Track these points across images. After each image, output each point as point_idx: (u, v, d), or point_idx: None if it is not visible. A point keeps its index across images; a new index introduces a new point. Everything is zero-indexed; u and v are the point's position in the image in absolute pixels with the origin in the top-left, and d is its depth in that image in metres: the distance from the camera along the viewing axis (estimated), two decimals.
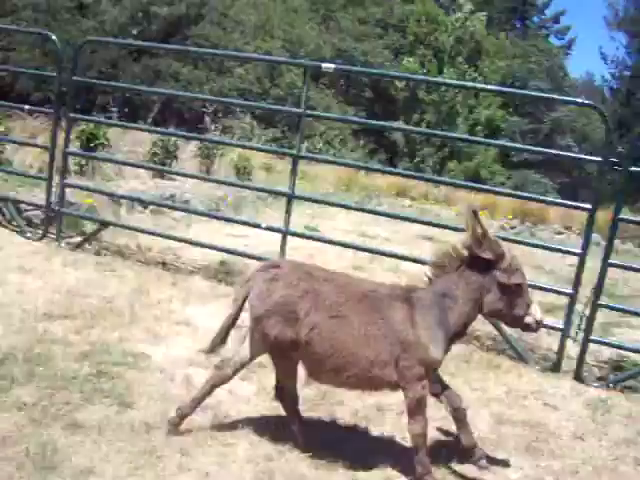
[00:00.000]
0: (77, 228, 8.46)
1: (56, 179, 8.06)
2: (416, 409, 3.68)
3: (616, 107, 40.05)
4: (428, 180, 17.80)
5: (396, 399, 4.20)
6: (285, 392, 4.08)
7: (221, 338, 3.95)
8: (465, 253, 3.73)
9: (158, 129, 13.30)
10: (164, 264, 7.85)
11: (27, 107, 9.57)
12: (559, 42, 49.06)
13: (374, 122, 13.71)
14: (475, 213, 3.64)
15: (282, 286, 3.73)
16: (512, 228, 17.68)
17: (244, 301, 3.84)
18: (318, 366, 3.76)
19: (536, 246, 7.23)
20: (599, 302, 6.16)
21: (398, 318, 3.69)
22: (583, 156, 11.71)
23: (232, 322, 3.95)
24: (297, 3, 37.91)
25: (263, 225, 7.70)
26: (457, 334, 3.82)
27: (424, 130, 23.78)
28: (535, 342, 6.81)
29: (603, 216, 7.54)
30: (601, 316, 6.68)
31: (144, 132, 13.42)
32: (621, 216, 6.30)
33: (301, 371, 3.93)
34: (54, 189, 8.03)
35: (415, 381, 3.65)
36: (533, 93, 24.39)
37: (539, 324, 3.83)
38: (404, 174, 13.85)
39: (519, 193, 8.69)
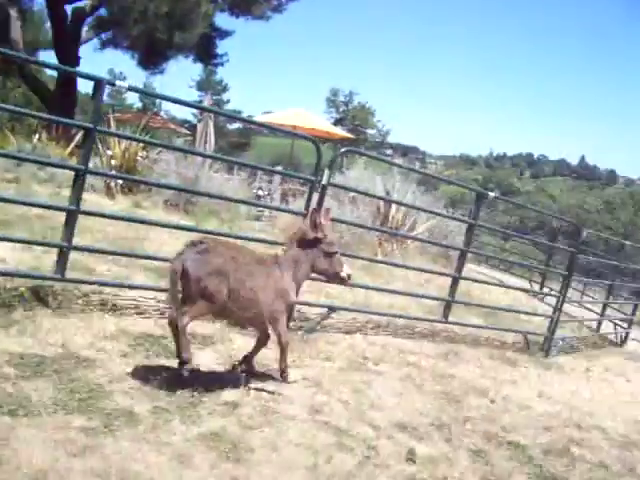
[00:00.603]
0: None
1: None
2: (282, 331, 5.36)
3: None
4: None
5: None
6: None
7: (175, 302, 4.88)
8: (306, 234, 5.44)
9: None
10: None
11: None
12: None
13: None
14: (315, 210, 5.59)
15: (213, 255, 4.95)
16: None
17: (182, 270, 4.83)
18: (234, 307, 5.06)
19: None
20: None
21: (275, 275, 5.30)
22: None
23: (176, 288, 4.87)
24: None
25: None
26: (300, 285, 5.59)
27: None
28: None
29: None
30: None
31: None
32: None
33: None
34: None
35: (282, 314, 5.36)
36: None
37: (349, 277, 5.59)
38: None
39: None
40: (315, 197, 6.88)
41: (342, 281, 5.64)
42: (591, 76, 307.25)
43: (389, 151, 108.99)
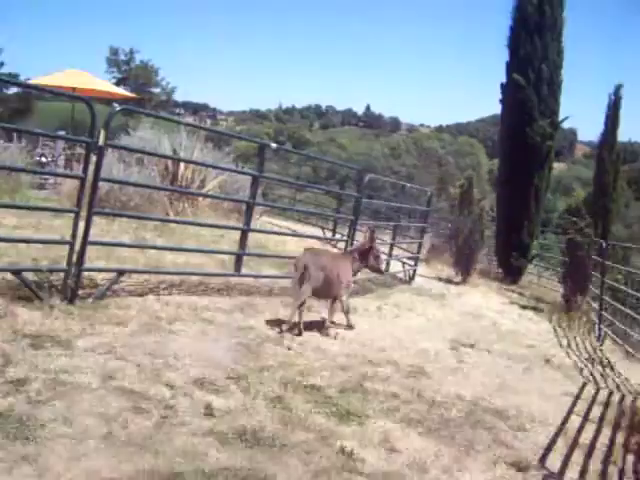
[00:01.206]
0: None
1: None
2: (344, 300, 8.01)
3: None
4: None
5: None
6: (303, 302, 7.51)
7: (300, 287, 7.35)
8: (365, 245, 8.31)
9: None
10: None
11: None
12: None
13: None
14: (372, 230, 8.48)
15: (319, 257, 7.73)
16: None
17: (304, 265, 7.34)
18: (325, 286, 7.59)
19: None
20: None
21: (346, 267, 8.00)
22: None
23: (302, 278, 7.33)
24: None
25: None
26: (355, 273, 8.42)
27: None
28: None
29: None
30: None
31: None
32: None
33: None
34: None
35: (346, 290, 8.01)
36: None
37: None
38: None
39: None
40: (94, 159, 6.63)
41: (381, 272, 9.16)
42: (373, 26, 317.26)
43: (180, 110, 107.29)
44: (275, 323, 7.40)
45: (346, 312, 8.10)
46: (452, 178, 70.28)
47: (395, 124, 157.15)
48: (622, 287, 12.89)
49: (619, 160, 21.25)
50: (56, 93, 17.48)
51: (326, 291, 7.75)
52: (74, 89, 17.03)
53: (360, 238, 9.26)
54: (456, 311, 11.07)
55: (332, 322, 7.83)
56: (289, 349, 6.59)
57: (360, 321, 8.57)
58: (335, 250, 9.61)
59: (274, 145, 9.83)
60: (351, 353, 6.99)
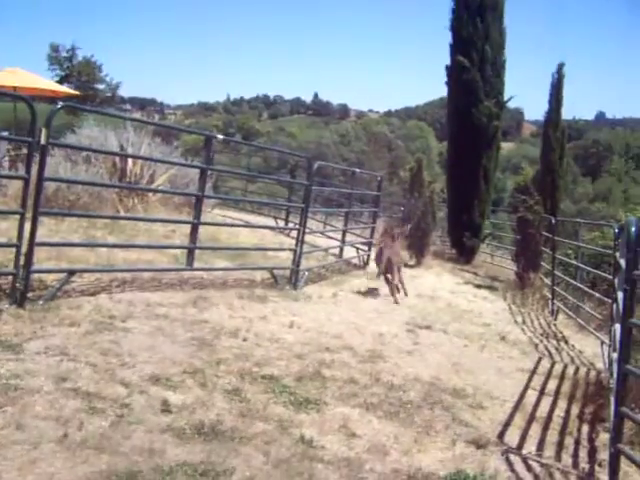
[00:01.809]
0: None
1: None
2: (399, 273, 10.67)
3: None
4: None
5: None
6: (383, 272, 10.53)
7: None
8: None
9: None
10: None
11: None
12: None
13: None
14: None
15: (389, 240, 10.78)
16: None
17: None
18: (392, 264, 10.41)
19: None
20: None
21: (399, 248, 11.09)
22: None
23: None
24: None
25: None
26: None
27: None
28: None
29: None
30: None
31: None
32: None
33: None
34: None
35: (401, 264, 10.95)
36: None
37: None
38: None
39: None
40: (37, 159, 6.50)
41: None
42: (317, 13, 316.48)
43: (127, 106, 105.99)
44: (229, 315, 7.39)
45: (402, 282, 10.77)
46: (403, 162, 70.77)
47: (344, 111, 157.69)
48: (572, 262, 13.10)
49: (564, 138, 21.48)
50: None
51: (393, 268, 10.47)
52: (15, 88, 16.69)
53: (313, 226, 9.31)
54: (411, 293, 11.14)
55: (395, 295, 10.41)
56: (244, 340, 6.55)
57: (315, 308, 8.60)
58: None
59: (220, 137, 9.78)
60: (307, 341, 6.97)
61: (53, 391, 4.58)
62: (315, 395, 5.40)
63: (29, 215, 6.38)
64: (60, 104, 6.78)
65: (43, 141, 6.28)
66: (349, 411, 5.20)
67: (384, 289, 10.78)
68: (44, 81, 21.28)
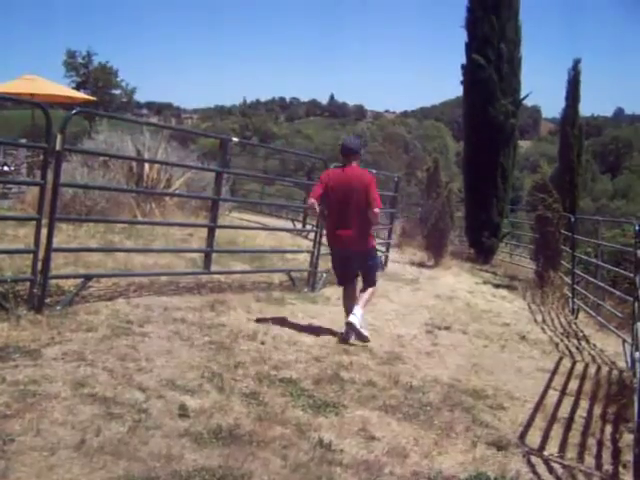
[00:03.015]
0: None
1: None
2: None
3: None
4: None
5: None
6: None
7: None
8: None
9: None
10: None
11: None
12: None
13: None
14: None
15: None
16: None
17: None
18: None
19: None
20: None
21: None
22: None
23: None
24: None
25: None
26: None
27: None
28: None
29: None
30: None
31: None
32: None
33: None
34: None
35: None
36: None
37: None
38: None
39: None
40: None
41: None
42: (334, 14, 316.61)
43: (144, 110, 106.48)
44: (247, 319, 7.37)
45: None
46: (420, 163, 70.43)
47: (360, 112, 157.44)
48: (593, 260, 12.99)
49: (582, 135, 21.34)
50: (13, 100, 17.25)
51: None
52: (32, 95, 16.81)
53: None
54: (430, 294, 11.09)
55: None
56: (262, 344, 6.53)
57: (334, 310, 8.54)
58: None
59: (235, 139, 9.80)
60: (326, 344, 6.94)
61: (71, 397, 4.57)
62: (333, 398, 5.36)
63: (46, 221, 6.40)
64: (73, 111, 6.78)
65: (58, 147, 6.28)
66: (368, 414, 5.16)
67: (403, 290, 10.73)
68: (61, 88, 21.44)
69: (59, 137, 6.28)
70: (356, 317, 7.03)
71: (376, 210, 7.01)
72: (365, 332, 7.16)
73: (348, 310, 7.27)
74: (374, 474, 4.16)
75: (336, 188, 7.18)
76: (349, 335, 7.14)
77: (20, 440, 3.89)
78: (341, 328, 7.45)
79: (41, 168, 6.64)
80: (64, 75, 66.11)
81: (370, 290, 7.43)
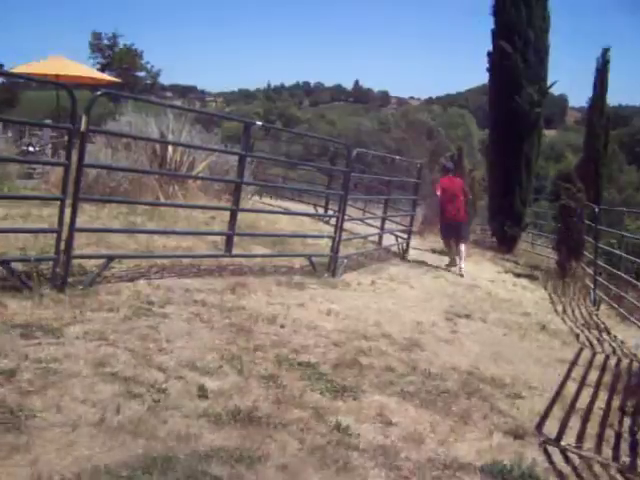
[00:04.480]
0: None
1: None
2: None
3: None
4: None
5: None
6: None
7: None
8: None
9: None
10: None
11: None
12: None
13: None
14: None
15: None
16: None
17: None
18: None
19: None
20: None
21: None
22: None
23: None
24: None
25: None
26: None
27: None
28: None
29: None
30: None
31: None
32: None
33: None
34: None
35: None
36: None
37: None
38: None
39: None
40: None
41: None
42: (364, 2, 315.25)
43: (168, 93, 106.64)
44: (267, 302, 7.40)
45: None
46: (444, 150, 70.10)
47: (384, 98, 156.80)
48: (616, 251, 12.89)
49: (609, 124, 21.15)
50: (38, 81, 17.35)
51: None
52: (57, 76, 16.87)
53: (352, 214, 9.12)
54: (450, 282, 11.08)
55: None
56: (282, 327, 6.55)
57: (354, 296, 8.56)
58: None
59: (259, 123, 9.80)
60: (345, 328, 6.95)
61: (91, 375, 4.62)
62: (352, 383, 5.38)
63: (69, 201, 6.45)
64: (100, 91, 6.81)
65: (83, 128, 6.32)
66: (386, 399, 5.18)
67: (424, 277, 10.72)
68: (86, 69, 21.52)
69: (84, 118, 6.32)
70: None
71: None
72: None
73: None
74: (390, 459, 4.17)
75: (447, 188, 12.80)
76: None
77: (42, 416, 3.94)
78: (360, 314, 7.60)
79: (65, 149, 6.68)
80: (89, 56, 66.34)
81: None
